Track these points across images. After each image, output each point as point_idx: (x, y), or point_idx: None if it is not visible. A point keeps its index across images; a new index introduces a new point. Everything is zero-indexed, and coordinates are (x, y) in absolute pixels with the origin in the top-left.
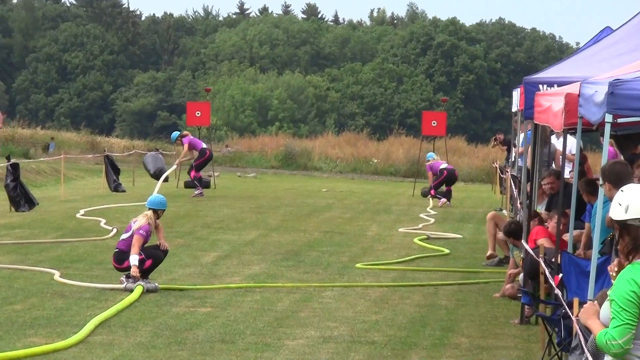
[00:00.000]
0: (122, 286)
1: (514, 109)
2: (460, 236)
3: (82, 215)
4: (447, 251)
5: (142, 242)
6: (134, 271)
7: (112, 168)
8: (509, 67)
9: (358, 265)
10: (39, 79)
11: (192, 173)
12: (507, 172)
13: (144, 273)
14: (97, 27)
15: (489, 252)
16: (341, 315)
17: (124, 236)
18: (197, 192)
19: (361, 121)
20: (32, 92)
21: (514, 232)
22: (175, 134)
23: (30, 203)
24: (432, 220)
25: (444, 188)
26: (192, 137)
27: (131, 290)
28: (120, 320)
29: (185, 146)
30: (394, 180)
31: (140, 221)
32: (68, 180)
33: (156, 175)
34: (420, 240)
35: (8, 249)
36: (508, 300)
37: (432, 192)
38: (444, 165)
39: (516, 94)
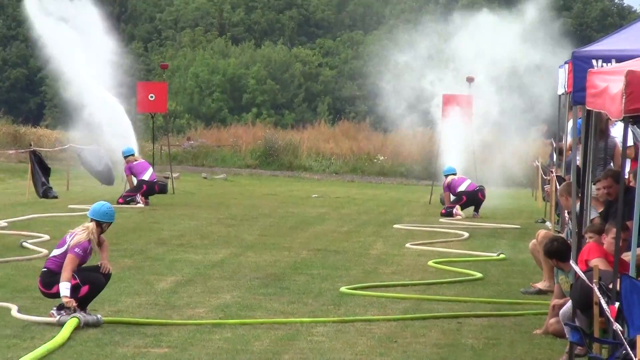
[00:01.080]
0: (54, 319)
1: (560, 91)
2: (495, 254)
3: (2, 228)
4: (479, 275)
5: (76, 263)
6: (67, 301)
7: (41, 167)
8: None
9: (343, 289)
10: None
11: (120, 199)
12: (552, 172)
13: (81, 303)
14: None
15: (543, 284)
16: (337, 358)
17: (56, 252)
18: (136, 201)
19: (363, 107)
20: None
21: (558, 251)
22: (129, 149)
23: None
24: (466, 234)
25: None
26: (136, 161)
27: (62, 324)
28: None
29: (127, 176)
30: (406, 184)
31: (79, 236)
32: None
33: (105, 178)
34: (436, 262)
35: None
36: (552, 338)
37: (455, 212)
38: (463, 187)
39: (562, 73)
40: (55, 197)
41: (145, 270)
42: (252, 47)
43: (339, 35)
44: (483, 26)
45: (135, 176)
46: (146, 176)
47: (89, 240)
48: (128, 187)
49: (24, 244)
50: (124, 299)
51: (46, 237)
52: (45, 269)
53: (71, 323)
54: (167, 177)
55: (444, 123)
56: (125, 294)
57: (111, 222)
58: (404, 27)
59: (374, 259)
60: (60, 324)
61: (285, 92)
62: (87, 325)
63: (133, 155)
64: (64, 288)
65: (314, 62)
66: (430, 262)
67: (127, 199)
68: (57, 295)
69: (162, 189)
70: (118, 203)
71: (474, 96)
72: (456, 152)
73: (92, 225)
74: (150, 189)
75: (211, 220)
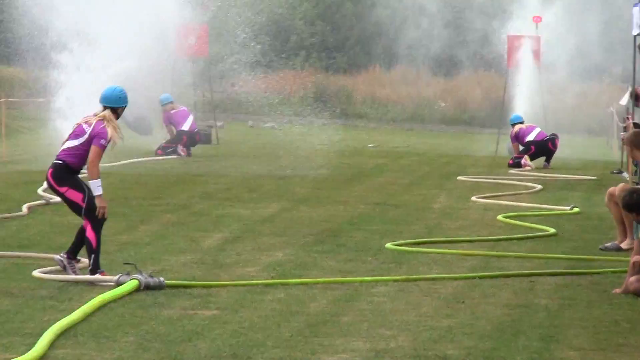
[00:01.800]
0: (114, 278)
1: (635, 31)
2: (568, 208)
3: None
4: (552, 230)
5: (101, 156)
6: (103, 205)
7: None
8: None
9: (388, 245)
10: None
11: (159, 151)
12: (628, 119)
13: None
14: None
15: (619, 240)
16: (400, 320)
17: (73, 143)
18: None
19: (421, 50)
20: None
21: (638, 203)
22: (166, 97)
23: None
24: (539, 187)
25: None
26: (174, 109)
27: (121, 285)
28: (90, 328)
29: (166, 126)
30: (470, 132)
31: (97, 123)
32: (11, 133)
33: (141, 129)
34: (506, 217)
35: None
36: (633, 297)
37: (523, 163)
38: (532, 136)
39: (637, 11)
40: None
41: (189, 226)
42: None
43: None
44: None
45: (174, 126)
46: (186, 126)
47: (114, 132)
48: (168, 138)
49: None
50: (167, 257)
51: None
52: (60, 162)
53: (130, 285)
54: (211, 126)
55: (510, 66)
56: (168, 252)
57: (125, 106)
58: None
59: (437, 213)
60: (118, 284)
61: (336, 33)
62: (148, 288)
63: (172, 103)
64: (97, 187)
65: (366, 1)
66: (499, 217)
67: (167, 150)
68: (66, 195)
69: (205, 139)
70: (156, 154)
71: (542, 37)
72: (524, 97)
73: (107, 113)
74: (192, 139)
75: (260, 172)
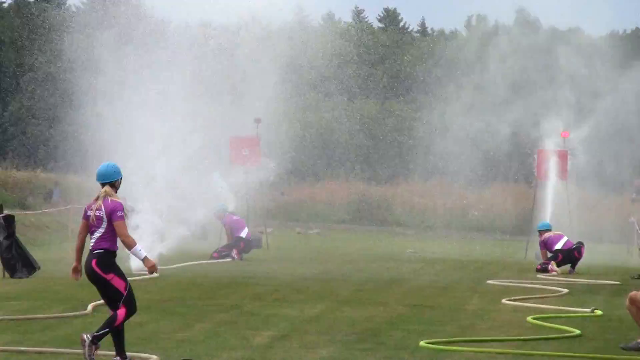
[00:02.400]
0: None
1: None
2: (589, 310)
3: None
4: (577, 331)
5: (126, 227)
6: (152, 264)
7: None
8: None
9: (422, 343)
10: (39, 105)
11: (215, 254)
12: None
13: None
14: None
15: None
16: None
17: (100, 232)
18: (231, 256)
19: (456, 162)
20: (28, 124)
21: None
22: (222, 205)
23: (30, 267)
24: (566, 291)
25: (566, 269)
26: (234, 216)
27: None
28: None
29: (226, 230)
30: (500, 239)
31: (104, 203)
32: (76, 237)
33: (199, 234)
34: (534, 318)
35: (2, 326)
36: None
37: (550, 268)
38: (560, 245)
39: None
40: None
41: (241, 324)
42: (344, 101)
43: (431, 90)
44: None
45: (233, 232)
46: (244, 233)
47: (120, 203)
48: (222, 243)
49: None
50: (220, 354)
51: None
52: (101, 250)
53: None
54: (262, 232)
55: (539, 179)
56: (221, 349)
57: (121, 178)
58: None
59: (469, 314)
60: None
61: (377, 146)
62: None
63: (226, 210)
64: (139, 251)
65: (406, 116)
66: (528, 318)
67: (223, 253)
68: (111, 282)
69: (257, 244)
70: (212, 258)
71: (568, 151)
72: (551, 208)
73: (108, 188)
74: (247, 246)
75: (306, 275)
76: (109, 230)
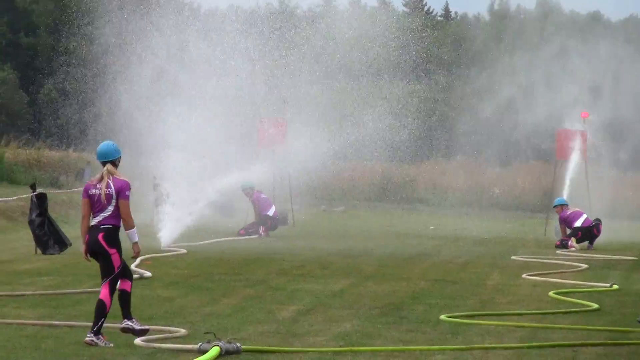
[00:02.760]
0: (195, 347)
1: None
2: (608, 285)
3: (138, 264)
4: (595, 305)
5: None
6: (139, 250)
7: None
8: None
9: (443, 317)
10: (70, 88)
11: (242, 231)
12: None
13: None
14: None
15: None
16: None
17: (109, 210)
18: (258, 233)
19: (478, 141)
20: (61, 105)
21: None
22: (248, 182)
23: (61, 244)
24: (585, 266)
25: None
26: (262, 193)
27: (204, 352)
28: None
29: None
30: (521, 217)
31: (113, 181)
32: None
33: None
34: (556, 293)
35: (34, 301)
36: None
37: (570, 244)
38: (579, 222)
39: None
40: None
41: (267, 299)
42: (371, 83)
43: (455, 72)
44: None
45: (260, 210)
46: (271, 212)
47: (128, 182)
48: (250, 220)
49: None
50: (246, 327)
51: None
52: (110, 226)
53: (213, 352)
54: (288, 210)
55: (558, 158)
56: (247, 322)
57: (120, 156)
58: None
59: (490, 289)
60: (201, 352)
61: (401, 127)
62: (228, 353)
63: (252, 188)
64: (134, 234)
65: (430, 98)
66: (550, 293)
67: (250, 230)
68: (112, 257)
69: (283, 221)
70: (239, 234)
71: (587, 132)
72: (570, 186)
73: (110, 167)
74: (274, 225)
75: (331, 251)
76: (117, 208)
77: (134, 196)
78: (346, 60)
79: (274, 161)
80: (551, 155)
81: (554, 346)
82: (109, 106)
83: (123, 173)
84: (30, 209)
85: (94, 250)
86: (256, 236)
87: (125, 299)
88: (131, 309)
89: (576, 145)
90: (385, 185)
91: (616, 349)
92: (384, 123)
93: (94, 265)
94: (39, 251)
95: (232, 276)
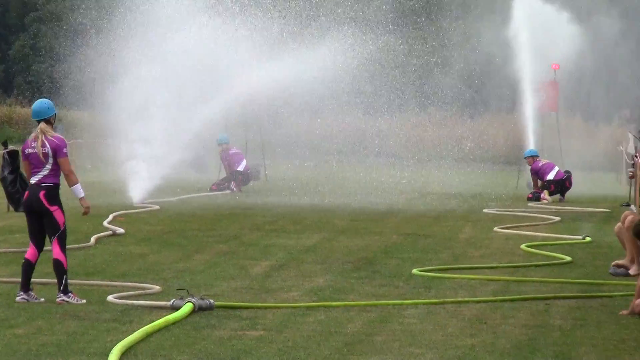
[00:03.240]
0: (168, 303)
1: None
2: (581, 237)
3: (111, 221)
4: (568, 258)
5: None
6: (88, 205)
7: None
8: None
9: (415, 271)
10: (42, 44)
11: (214, 187)
12: (637, 157)
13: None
14: None
15: (630, 267)
16: (428, 339)
17: (48, 167)
18: (230, 188)
19: (449, 94)
20: (33, 61)
21: None
22: (223, 137)
23: None
24: (557, 218)
25: (556, 198)
26: (231, 149)
27: (177, 309)
28: (149, 347)
29: (224, 164)
30: (493, 169)
31: (47, 140)
32: (81, 171)
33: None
34: (528, 246)
35: (7, 258)
36: (639, 318)
37: (542, 197)
38: (551, 175)
39: None
40: None
41: (239, 255)
42: (341, 37)
43: (429, 24)
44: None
45: (231, 165)
46: (241, 167)
47: (63, 139)
48: (223, 175)
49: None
50: (219, 283)
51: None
52: (50, 184)
53: (186, 308)
54: (260, 165)
55: (530, 109)
56: (220, 279)
57: (55, 114)
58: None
59: (463, 243)
60: (174, 309)
61: (373, 81)
62: (201, 309)
63: (227, 143)
64: (79, 189)
65: (401, 51)
66: (523, 246)
67: (222, 186)
68: (54, 214)
69: (255, 176)
70: (211, 190)
71: (559, 83)
72: (541, 137)
73: (43, 125)
74: (245, 179)
75: (303, 206)
76: (56, 167)
77: (108, 152)
78: (316, 14)
79: (246, 116)
80: (524, 109)
81: (526, 299)
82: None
83: (99, 128)
84: (2, 166)
85: (34, 208)
86: (228, 191)
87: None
88: (29, 282)
89: (547, 97)
90: (356, 139)
91: (588, 302)
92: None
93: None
94: (11, 209)
95: (205, 232)
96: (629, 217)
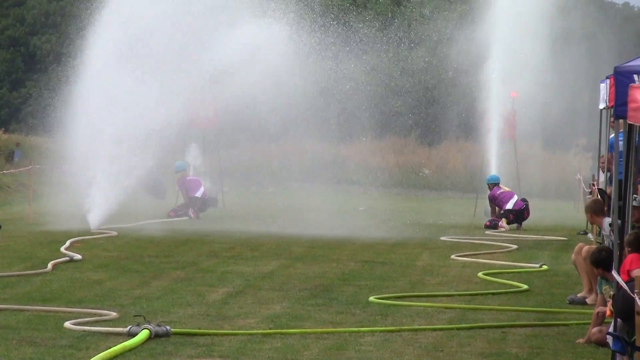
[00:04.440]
0: (125, 330)
1: (601, 105)
2: (537, 265)
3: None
4: (524, 286)
5: None
6: None
7: None
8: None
9: (371, 299)
10: (1, 69)
11: (171, 213)
12: (594, 186)
13: None
14: (73, 4)
15: (586, 295)
16: None
17: None
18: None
19: (408, 122)
20: None
21: (605, 260)
22: (181, 164)
23: None
24: (515, 246)
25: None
26: (188, 176)
27: (133, 335)
28: None
29: (181, 191)
30: (451, 197)
31: None
32: (38, 197)
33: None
34: (485, 274)
35: None
36: (595, 347)
37: (500, 225)
38: (510, 204)
39: (604, 87)
40: None
41: (196, 281)
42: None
43: (385, 52)
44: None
45: (188, 192)
46: (199, 193)
47: None
48: (180, 201)
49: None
50: (176, 310)
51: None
52: None
53: (142, 335)
54: (217, 191)
55: (488, 138)
56: (177, 305)
57: None
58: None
59: (420, 270)
60: (130, 335)
61: (332, 107)
62: (158, 336)
63: (185, 170)
64: None
65: (359, 78)
66: (479, 274)
67: (179, 212)
68: None
69: (213, 203)
70: (169, 217)
71: (517, 111)
72: (499, 165)
73: None
74: (203, 206)
75: (261, 233)
76: None
77: (66, 178)
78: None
79: (205, 143)
80: (481, 137)
81: (483, 327)
82: (38, 87)
83: (56, 153)
84: None
85: None
86: (186, 218)
87: None
88: None
89: (505, 124)
90: (315, 165)
91: (545, 330)
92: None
93: (25, 248)
94: None
95: (162, 258)
96: (585, 248)
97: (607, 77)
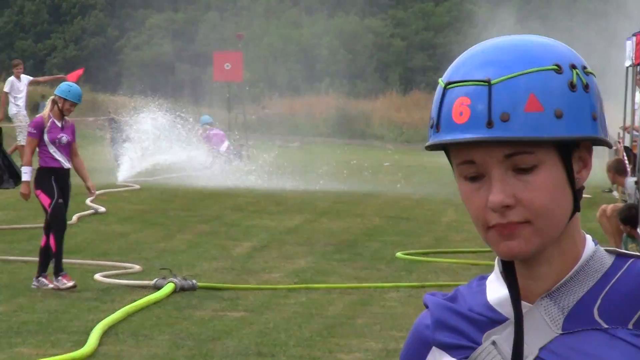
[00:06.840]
0: (151, 283)
1: (627, 63)
2: None
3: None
4: None
5: (35, 143)
6: (25, 191)
7: (118, 135)
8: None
9: (398, 254)
10: (26, 20)
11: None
12: (620, 142)
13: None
14: None
15: None
16: (409, 323)
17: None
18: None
19: (433, 77)
20: (17, 38)
21: (634, 217)
22: (206, 117)
23: (16, 178)
24: None
25: None
26: (212, 130)
27: (159, 288)
28: (130, 327)
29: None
30: None
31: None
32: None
33: None
34: None
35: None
36: None
37: None
38: None
39: (630, 44)
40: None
41: (221, 235)
42: (324, 17)
43: (410, 7)
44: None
45: (212, 146)
46: (223, 147)
47: (42, 116)
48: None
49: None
50: (201, 264)
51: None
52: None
53: (167, 288)
54: (242, 145)
55: None
56: (202, 259)
57: (71, 101)
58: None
59: (444, 226)
60: (156, 288)
61: (357, 62)
62: (183, 290)
63: (210, 124)
64: (23, 172)
65: (385, 33)
66: None
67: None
68: (39, 199)
69: (237, 157)
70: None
71: None
72: None
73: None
74: (228, 160)
75: (285, 187)
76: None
77: (92, 130)
78: None
79: (230, 96)
80: None
81: None
82: (63, 38)
83: (80, 105)
84: None
85: None
86: (211, 168)
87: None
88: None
89: None
90: (340, 120)
91: None
92: (338, 56)
93: None
94: None
95: (187, 212)
96: (610, 207)
97: (633, 34)
